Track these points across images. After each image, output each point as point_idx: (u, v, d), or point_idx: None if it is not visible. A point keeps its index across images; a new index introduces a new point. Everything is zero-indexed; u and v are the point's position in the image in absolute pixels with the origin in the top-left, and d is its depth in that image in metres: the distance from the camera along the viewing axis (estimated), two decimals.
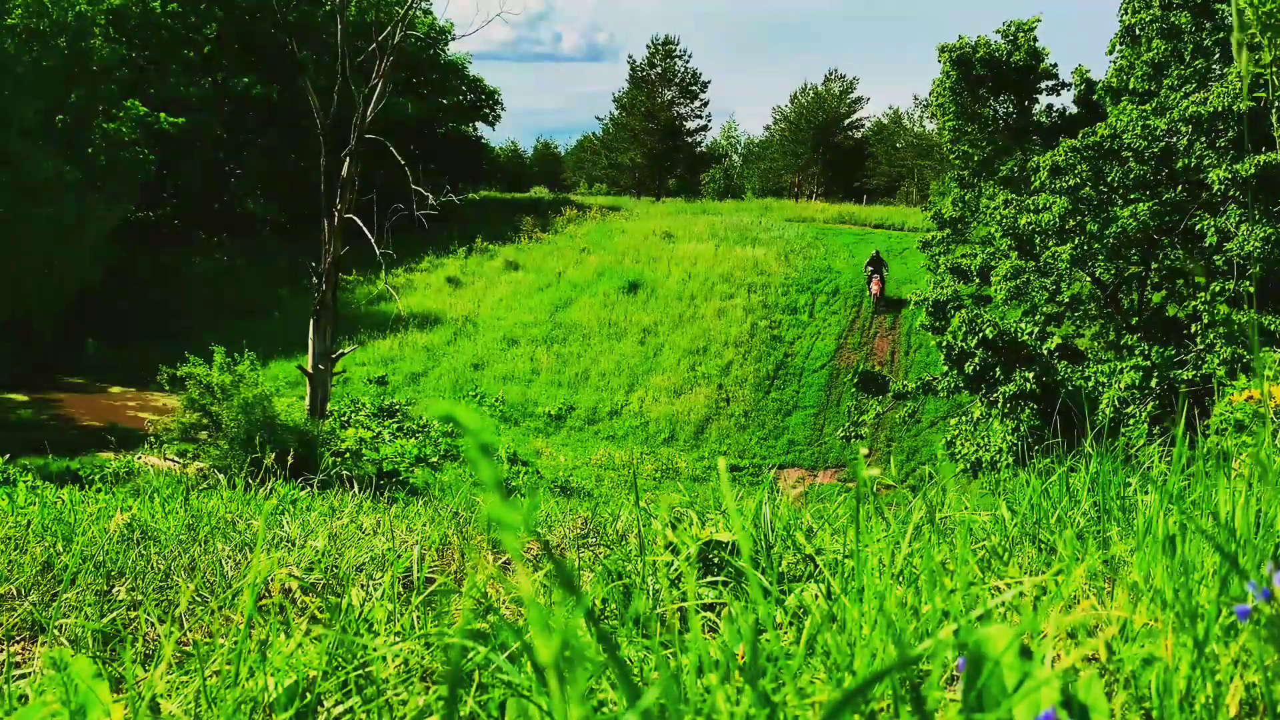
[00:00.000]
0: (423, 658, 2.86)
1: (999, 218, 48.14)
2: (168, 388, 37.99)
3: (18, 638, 4.08)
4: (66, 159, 59.21)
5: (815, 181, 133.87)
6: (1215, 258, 43.70)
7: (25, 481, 16.43)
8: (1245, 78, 2.62)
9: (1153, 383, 42.09)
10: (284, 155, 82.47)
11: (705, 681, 2.02)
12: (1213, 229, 42.80)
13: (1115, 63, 49.29)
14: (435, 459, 47.51)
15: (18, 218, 54.29)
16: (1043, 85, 52.70)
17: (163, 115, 76.36)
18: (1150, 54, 45.46)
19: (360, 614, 3.33)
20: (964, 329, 46.37)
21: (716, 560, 3.94)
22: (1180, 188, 44.21)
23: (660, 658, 1.78)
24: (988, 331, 45.74)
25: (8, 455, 26.24)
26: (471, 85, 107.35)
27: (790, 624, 3.11)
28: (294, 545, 5.41)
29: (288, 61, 53.02)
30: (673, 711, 1.53)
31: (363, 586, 4.44)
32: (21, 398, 54.72)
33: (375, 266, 54.92)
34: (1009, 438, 45.99)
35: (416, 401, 57.39)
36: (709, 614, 3.50)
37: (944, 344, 48.68)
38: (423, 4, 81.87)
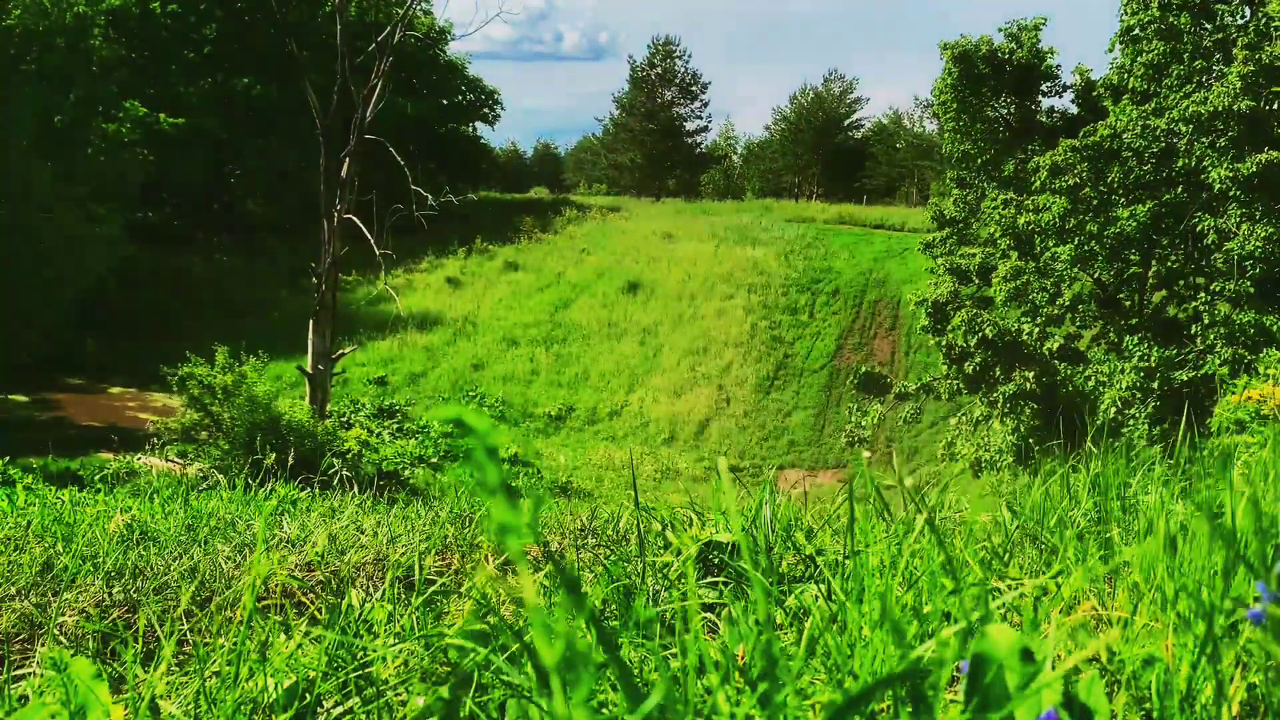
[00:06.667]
0: (423, 659, 2.85)
1: (999, 217, 48.19)
2: (175, 389, 37.97)
3: (18, 638, 4.08)
4: (66, 172, 59.16)
5: (815, 182, 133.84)
6: (1215, 257, 43.75)
7: (24, 482, 16.41)
8: None
9: (1153, 383, 42.14)
10: (284, 155, 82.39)
11: (706, 682, 2.02)
12: (1213, 229, 42.84)
13: (1115, 63, 49.23)
14: (435, 459, 47.52)
15: (18, 229, 54.17)
16: (1045, 86, 52.69)
17: (162, 115, 76.48)
18: (1150, 55, 45.41)
19: (360, 615, 3.33)
20: (964, 329, 46.47)
21: (716, 561, 3.94)
22: (1180, 188, 44.22)
23: (660, 659, 1.77)
24: (988, 331, 45.83)
25: (8, 457, 26.24)
26: (471, 85, 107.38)
27: (791, 625, 3.11)
28: (294, 546, 5.41)
29: (287, 62, 53.05)
30: (673, 713, 1.53)
31: (363, 587, 4.44)
32: (21, 398, 54.71)
33: (375, 267, 54.86)
34: (1009, 437, 46.09)
35: (416, 402, 57.43)
36: (709, 615, 3.50)
37: (944, 344, 48.79)
38: (422, 4, 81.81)
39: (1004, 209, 48.08)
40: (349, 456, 36.14)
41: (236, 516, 7.45)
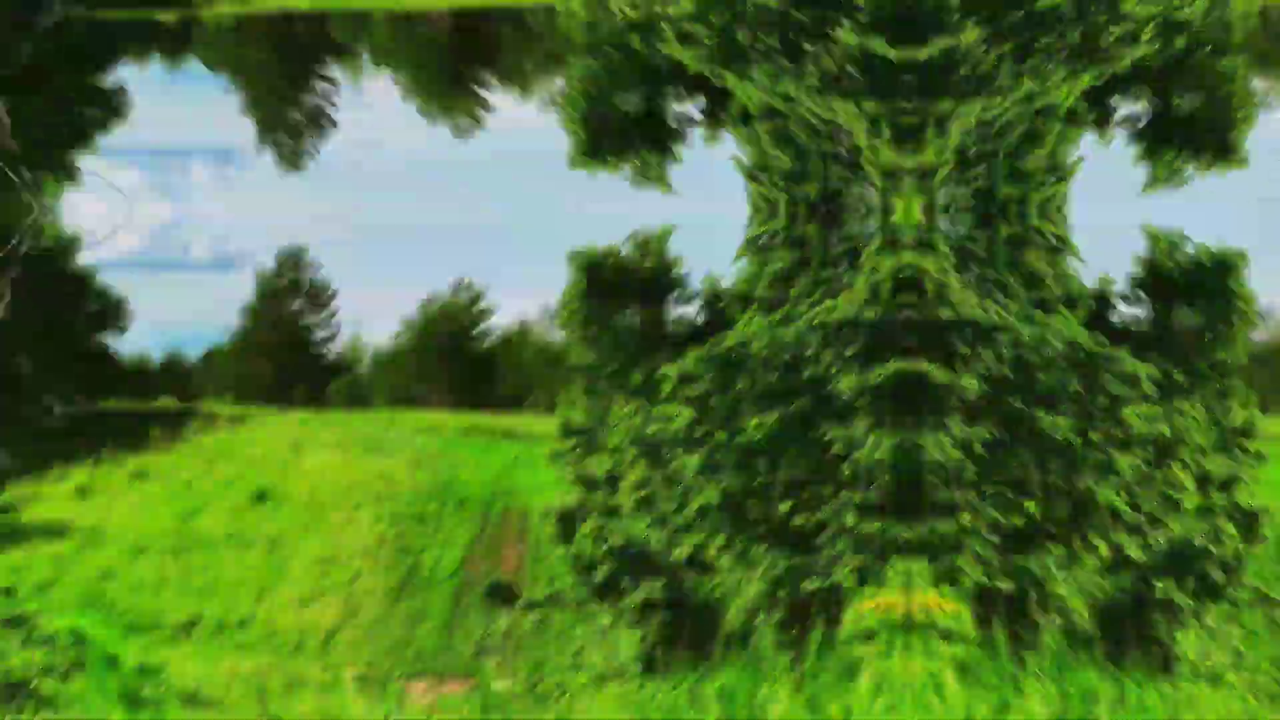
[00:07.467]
0: None
1: (626, 427, 49.00)
2: None
3: None
4: None
5: (445, 390, 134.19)
6: (843, 466, 45.09)
7: None
8: None
9: (780, 592, 43.07)
10: None
11: None
12: (841, 438, 44.15)
13: (741, 272, 50.33)
14: (64, 668, 46.26)
15: None
16: (674, 294, 53.70)
17: None
18: (777, 264, 46.60)
19: None
20: (592, 537, 47.10)
21: None
22: (807, 397, 45.60)
23: None
24: (615, 540, 46.50)
25: None
26: (98, 295, 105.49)
27: None
28: None
29: None
30: None
31: None
32: None
33: None
34: (638, 646, 46.66)
35: (45, 612, 55.94)
36: None
37: (572, 553, 49.37)
38: (47, 216, 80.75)
39: (632, 417, 48.62)
40: None
41: None
